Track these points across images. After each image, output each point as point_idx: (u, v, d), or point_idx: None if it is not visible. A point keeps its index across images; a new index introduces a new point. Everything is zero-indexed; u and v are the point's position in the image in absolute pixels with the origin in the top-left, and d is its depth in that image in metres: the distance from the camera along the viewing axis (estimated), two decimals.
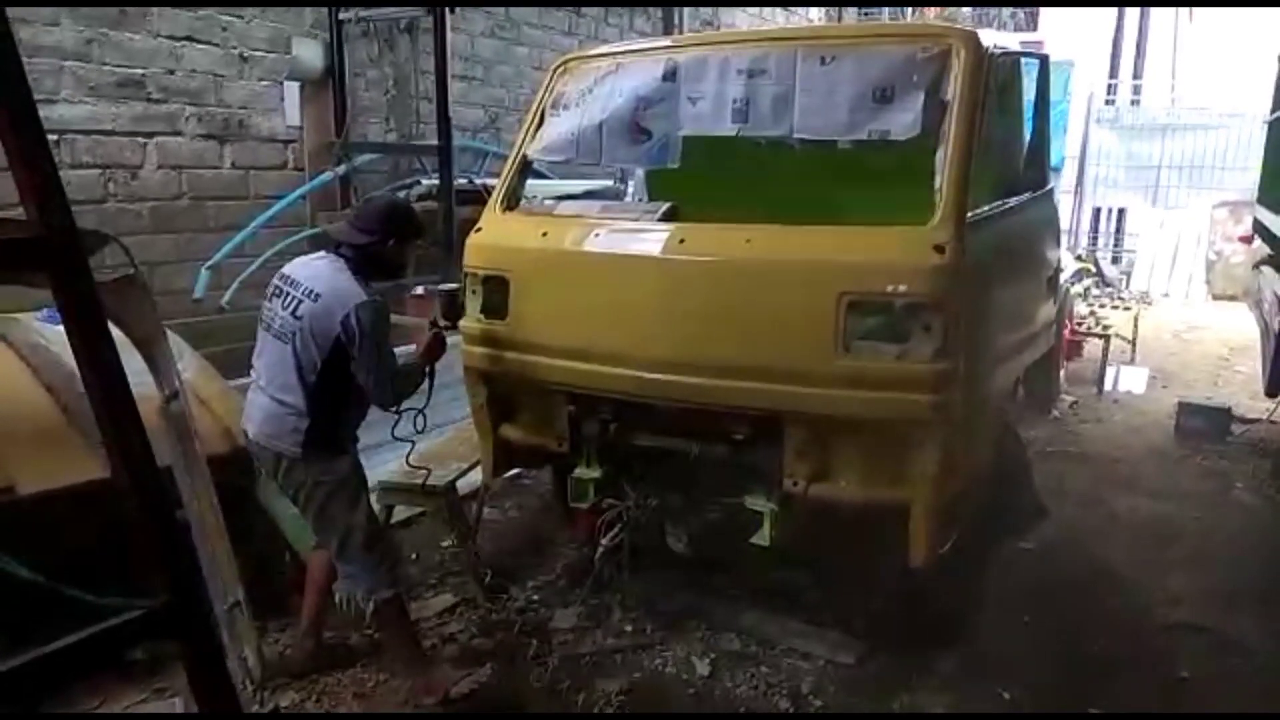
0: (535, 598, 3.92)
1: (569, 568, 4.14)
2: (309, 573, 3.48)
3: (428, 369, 3.32)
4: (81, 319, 1.27)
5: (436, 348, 3.36)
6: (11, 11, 1.20)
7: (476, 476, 4.07)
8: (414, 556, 4.27)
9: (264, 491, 3.77)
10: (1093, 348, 7.80)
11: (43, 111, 1.27)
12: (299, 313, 3.03)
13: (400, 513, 4.20)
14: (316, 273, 3.11)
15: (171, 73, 5.77)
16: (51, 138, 4.15)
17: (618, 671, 3.42)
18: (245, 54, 6.17)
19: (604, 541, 3.68)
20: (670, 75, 3.52)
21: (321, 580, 3.41)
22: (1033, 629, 3.71)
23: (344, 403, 3.12)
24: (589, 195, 6.14)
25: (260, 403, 3.14)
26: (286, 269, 3.23)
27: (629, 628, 3.68)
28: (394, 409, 3.25)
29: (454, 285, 3.60)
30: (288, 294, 3.10)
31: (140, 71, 5.61)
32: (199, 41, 5.89)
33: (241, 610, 3.19)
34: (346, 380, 3.05)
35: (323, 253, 3.23)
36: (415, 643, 3.35)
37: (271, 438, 3.10)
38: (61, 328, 1.29)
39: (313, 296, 3.03)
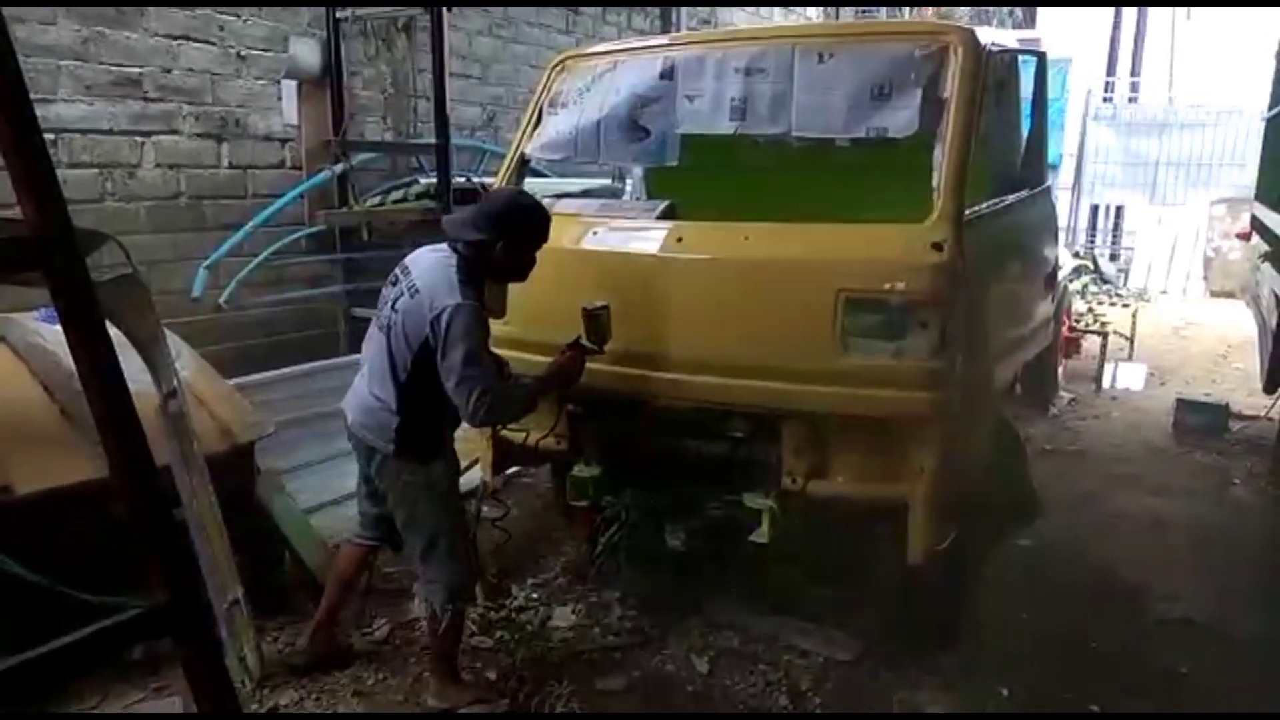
0: (535, 596, 3.92)
1: (568, 566, 4.14)
2: (336, 563, 3.44)
3: (545, 392, 3.05)
4: (79, 318, 1.27)
5: (569, 371, 3.07)
6: (7, 10, 1.19)
7: (476, 475, 4.07)
8: None
9: (263, 490, 3.78)
10: (1091, 345, 7.80)
11: (39, 111, 1.26)
12: (398, 306, 2.89)
13: None
14: (426, 267, 2.91)
15: (168, 71, 5.76)
16: (48, 137, 4.14)
17: (617, 669, 3.42)
18: (242, 53, 6.16)
19: (603, 539, 3.69)
20: (668, 73, 3.52)
21: (348, 574, 3.36)
22: (1031, 625, 3.72)
23: (439, 404, 2.89)
24: (587, 194, 6.14)
25: (360, 391, 3.05)
26: (409, 256, 3.02)
27: (628, 625, 3.68)
28: (474, 423, 2.95)
29: (601, 304, 3.15)
30: (399, 284, 2.94)
31: (137, 70, 5.60)
32: (196, 40, 5.88)
33: (240, 608, 3.20)
34: (440, 385, 2.83)
35: (443, 245, 2.99)
36: (455, 657, 3.24)
37: (365, 430, 3.01)
38: (59, 327, 1.29)
39: (412, 291, 2.87)
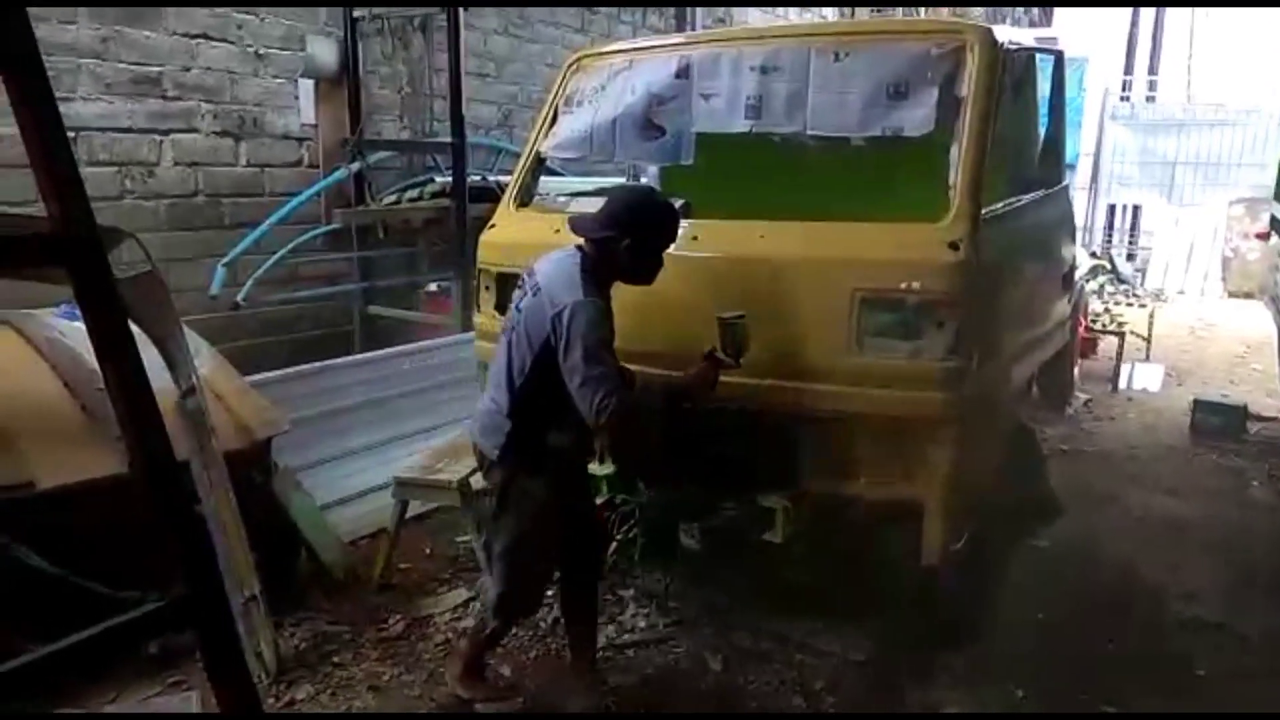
0: (549, 593, 3.93)
1: None
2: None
3: (675, 403, 2.91)
4: (102, 315, 1.28)
5: (702, 384, 2.93)
6: (30, 10, 1.21)
7: None
8: (428, 552, 4.29)
9: (280, 486, 3.80)
10: (1107, 345, 7.75)
11: (60, 109, 1.28)
12: (520, 306, 2.82)
13: (415, 508, 4.22)
14: (551, 267, 2.81)
15: (187, 70, 5.81)
16: (69, 135, 4.18)
17: (630, 667, 3.42)
18: (260, 51, 6.21)
19: (617, 537, 3.69)
20: (684, 72, 3.52)
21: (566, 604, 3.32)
22: (1046, 626, 3.70)
23: (553, 412, 2.77)
24: (602, 192, 6.14)
25: (482, 397, 3.00)
26: (536, 261, 2.93)
27: (642, 624, 3.68)
28: (597, 426, 2.73)
29: (737, 313, 2.95)
30: (525, 285, 2.86)
31: (156, 69, 5.65)
32: (214, 39, 5.93)
33: (257, 604, 3.22)
34: (557, 389, 2.69)
35: (573, 247, 2.89)
36: (484, 655, 3.21)
37: (478, 434, 2.94)
38: (78, 323, 1.30)
39: (534, 291, 2.78)
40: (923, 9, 12.90)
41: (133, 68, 5.52)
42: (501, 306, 3.65)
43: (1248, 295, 11.09)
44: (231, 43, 6.02)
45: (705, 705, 3.24)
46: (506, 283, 3.62)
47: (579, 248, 2.83)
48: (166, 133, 5.76)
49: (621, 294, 2.87)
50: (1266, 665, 3.47)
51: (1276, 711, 3.21)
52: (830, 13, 12.33)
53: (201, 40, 5.84)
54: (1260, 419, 6.31)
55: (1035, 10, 15.23)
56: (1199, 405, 6.31)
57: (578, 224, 2.88)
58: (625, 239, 2.77)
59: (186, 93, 5.82)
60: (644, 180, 5.42)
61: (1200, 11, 15.37)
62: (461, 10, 6.27)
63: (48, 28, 5.05)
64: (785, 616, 3.67)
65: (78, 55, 5.26)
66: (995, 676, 3.33)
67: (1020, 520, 4.28)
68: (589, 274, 2.74)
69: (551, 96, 3.89)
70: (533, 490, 2.87)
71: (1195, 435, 6.13)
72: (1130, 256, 13.18)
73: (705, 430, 3.34)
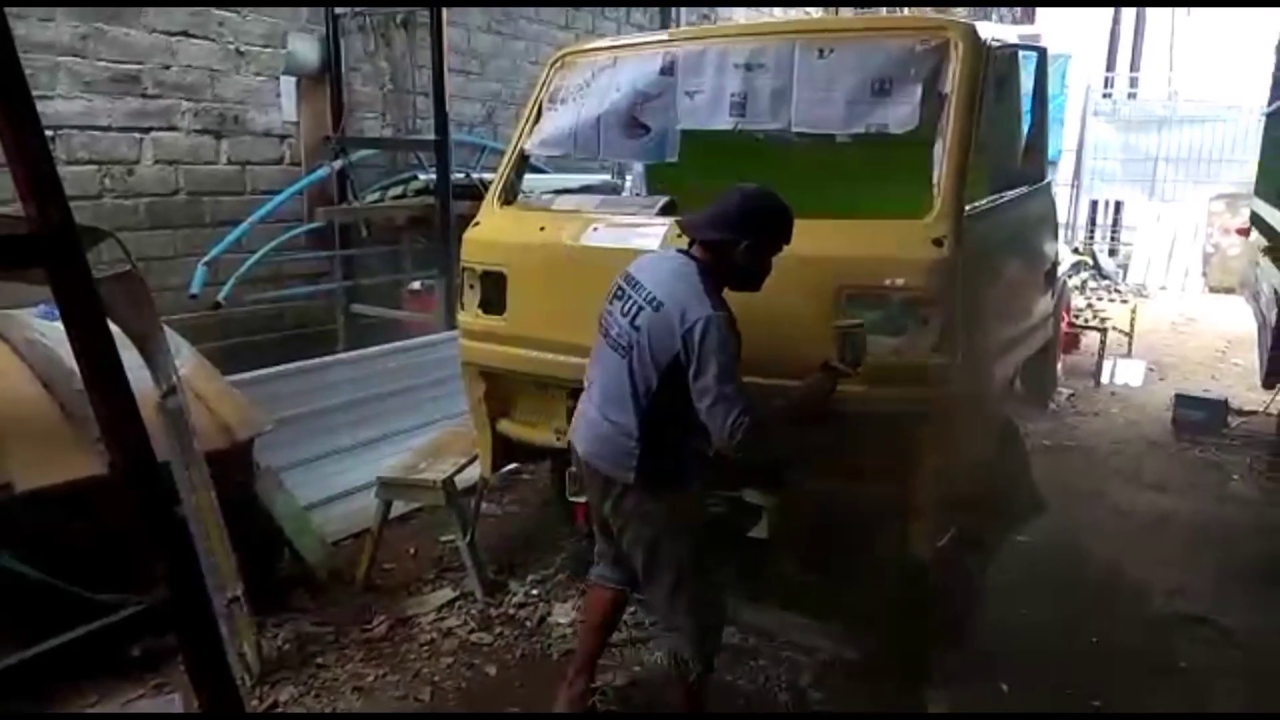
0: (534, 592, 3.92)
1: (568, 562, 4.14)
2: (590, 608, 3.17)
3: (798, 417, 2.75)
4: (80, 315, 1.27)
5: (820, 393, 2.74)
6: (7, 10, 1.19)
7: (475, 471, 4.07)
8: (412, 552, 4.28)
9: (263, 487, 3.78)
10: (1090, 341, 7.81)
11: (38, 108, 1.26)
12: (638, 322, 2.61)
13: (399, 508, 4.21)
14: (662, 276, 2.64)
15: (167, 68, 5.76)
16: (47, 134, 4.12)
17: (617, 665, 3.42)
18: (241, 49, 6.16)
19: None
20: (668, 69, 3.51)
21: (601, 620, 3.11)
22: (1031, 621, 3.71)
23: (686, 430, 2.62)
24: (586, 190, 6.15)
25: (591, 418, 2.75)
26: (632, 267, 2.76)
27: (628, 621, 3.67)
28: (729, 450, 2.55)
29: (855, 321, 2.79)
30: (629, 298, 2.67)
31: (136, 67, 5.60)
32: (194, 37, 5.88)
33: (240, 605, 3.20)
34: (684, 404, 2.56)
35: (674, 251, 2.78)
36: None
37: (601, 459, 2.71)
38: (58, 323, 1.29)
39: (654, 305, 2.58)
40: (906, 8, 12.95)
41: (112, 65, 5.47)
42: (486, 304, 3.63)
43: (1228, 290, 11.19)
44: (212, 40, 5.98)
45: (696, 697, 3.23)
46: (491, 280, 3.62)
47: (687, 254, 2.69)
48: (147, 131, 5.71)
49: (603, 291, 2.83)
50: (1249, 659, 3.50)
51: (1259, 705, 3.23)
52: (816, 11, 12.35)
53: (182, 38, 5.80)
54: (1241, 413, 6.36)
55: (1018, 8, 15.31)
56: (1180, 400, 6.36)
57: (691, 225, 2.74)
58: (744, 241, 2.62)
59: (167, 91, 5.77)
60: (629, 178, 5.41)
61: (1181, 10, 15.48)
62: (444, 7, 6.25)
63: (26, 25, 4.99)
64: (771, 613, 3.68)
65: (56, 53, 5.21)
66: (981, 672, 3.34)
67: (1004, 516, 4.30)
68: (708, 284, 2.58)
69: (535, 93, 3.87)
70: (679, 511, 2.72)
71: (1177, 430, 6.18)
72: (1112, 252, 13.28)
73: None
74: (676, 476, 2.71)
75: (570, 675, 3.11)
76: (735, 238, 2.62)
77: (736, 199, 2.68)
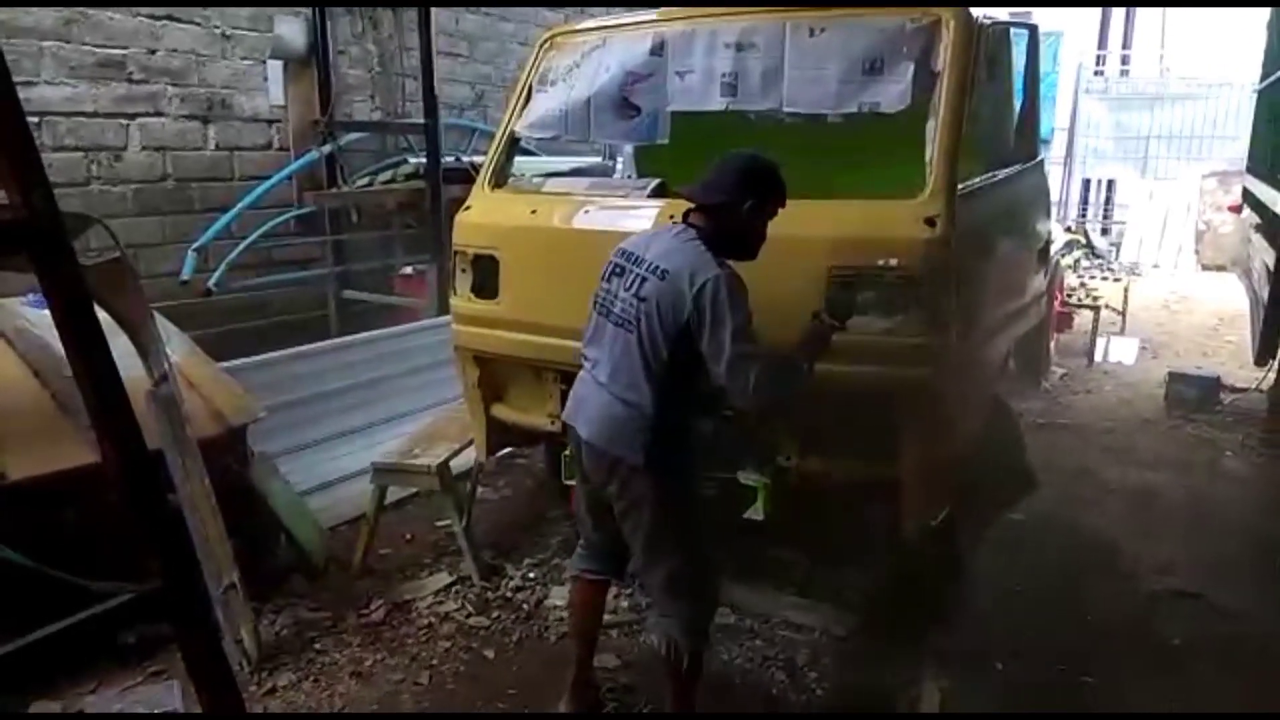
0: (531, 575, 3.93)
1: (564, 545, 4.14)
2: (579, 605, 3.08)
3: (809, 364, 2.70)
4: (67, 303, 1.26)
5: (814, 341, 2.75)
6: None
7: (470, 456, 4.07)
8: (408, 537, 4.28)
9: (257, 473, 3.77)
10: (1083, 319, 7.81)
11: (22, 93, 1.25)
12: (643, 293, 2.58)
13: (394, 493, 4.20)
14: (664, 247, 2.62)
15: (152, 52, 5.70)
16: (32, 120, 4.09)
17: (613, 647, 3.43)
18: (227, 32, 6.11)
19: None
20: (658, 49, 3.49)
21: (588, 617, 3.06)
22: (1024, 599, 3.74)
23: (692, 403, 2.65)
24: (577, 172, 6.12)
25: (598, 400, 2.67)
26: (627, 244, 2.76)
27: (624, 604, 3.69)
28: (754, 407, 2.62)
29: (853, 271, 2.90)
30: (630, 272, 2.65)
31: (121, 52, 5.54)
32: (180, 20, 5.82)
33: (237, 592, 3.20)
34: (696, 375, 2.57)
35: (671, 224, 2.76)
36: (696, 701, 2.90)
37: (612, 441, 2.63)
38: (47, 312, 1.27)
39: (659, 273, 2.56)
40: None
41: (97, 50, 5.42)
42: (478, 288, 3.62)
43: (1220, 268, 11.21)
44: (197, 24, 5.92)
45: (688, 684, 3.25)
46: (482, 264, 3.60)
47: (685, 223, 2.68)
48: (133, 116, 5.67)
49: (596, 274, 2.82)
50: (1242, 634, 3.52)
51: (1247, 680, 3.25)
52: None
53: (167, 21, 5.74)
54: (1233, 390, 6.38)
55: None
56: (1173, 378, 6.37)
57: (693, 192, 2.71)
58: (746, 201, 2.62)
59: (153, 75, 5.72)
60: (620, 160, 5.39)
61: None
62: None
63: (7, 10, 4.94)
64: (767, 593, 3.69)
65: (39, 38, 5.15)
66: (974, 650, 3.36)
67: (998, 494, 4.32)
68: (712, 248, 2.57)
69: (525, 75, 3.85)
70: (684, 493, 2.71)
71: (1170, 407, 6.20)
72: (1105, 231, 13.28)
73: None
74: (682, 456, 2.68)
75: (572, 685, 3.03)
76: (739, 198, 2.61)
77: (735, 162, 2.68)
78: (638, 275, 2.62)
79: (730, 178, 2.64)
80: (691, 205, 2.71)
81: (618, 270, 2.70)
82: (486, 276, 3.59)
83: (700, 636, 2.79)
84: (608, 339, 2.68)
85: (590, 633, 3.09)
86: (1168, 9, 15.05)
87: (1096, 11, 14.44)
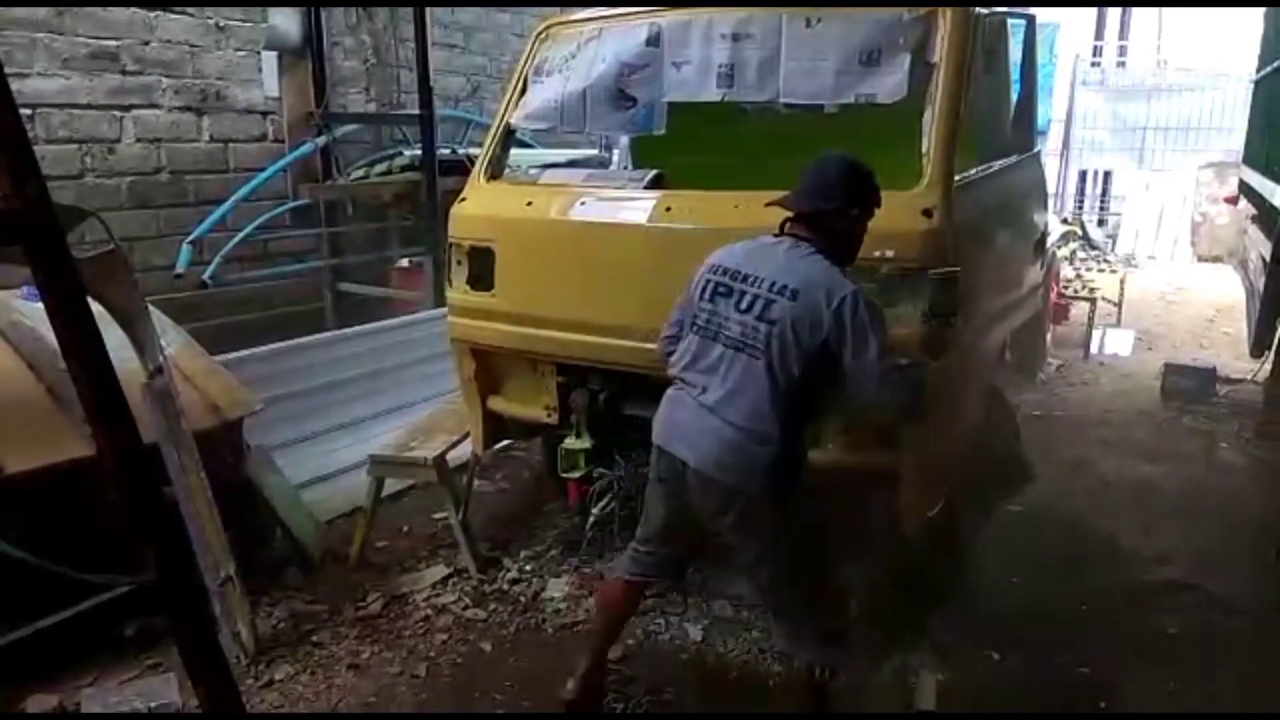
0: (528, 568, 3.93)
1: (560, 538, 4.14)
2: (604, 603, 3.09)
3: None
4: (61, 295, 1.25)
5: (935, 344, 2.74)
6: None
7: (467, 449, 4.07)
8: (405, 529, 4.27)
9: (254, 466, 3.76)
10: (1079, 311, 7.82)
11: (14, 85, 1.24)
12: (773, 315, 2.44)
13: (391, 486, 4.20)
14: (783, 264, 2.49)
15: (146, 44, 5.68)
16: (25, 112, 4.08)
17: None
18: (221, 23, 6.08)
19: (595, 511, 3.69)
20: (654, 40, 3.48)
21: (620, 612, 3.02)
22: (1021, 589, 3.74)
23: (805, 425, 2.58)
24: (573, 164, 6.11)
25: (705, 425, 2.52)
26: (722, 261, 2.61)
27: None
28: (900, 415, 2.64)
29: (950, 269, 2.81)
30: (742, 293, 2.51)
31: (114, 43, 5.52)
32: (173, 11, 5.79)
33: (233, 584, 3.20)
34: (815, 395, 2.51)
35: (768, 238, 2.61)
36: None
37: (728, 470, 2.50)
38: (39, 304, 1.27)
39: (788, 293, 2.43)
40: None
41: (90, 42, 5.39)
42: (474, 281, 3.61)
43: (1216, 259, 11.23)
44: (191, 15, 5.89)
45: (687, 675, 3.25)
46: (478, 256, 3.59)
47: (795, 237, 2.56)
48: (127, 109, 5.64)
49: (598, 269, 2.83)
50: (1238, 624, 3.53)
51: (1244, 670, 3.26)
52: None
53: (160, 12, 5.71)
54: (1229, 381, 6.39)
55: None
56: (1169, 369, 6.38)
57: (795, 201, 2.58)
58: (853, 207, 2.54)
59: (146, 67, 5.69)
60: (615, 151, 5.38)
61: None
62: None
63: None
64: None
65: (32, 30, 5.12)
66: (972, 640, 3.37)
67: (995, 485, 4.32)
68: (831, 259, 2.49)
69: (520, 66, 3.83)
70: (803, 513, 2.61)
71: (1166, 399, 6.21)
72: (1101, 222, 13.29)
73: None
74: (798, 476, 2.57)
75: (585, 667, 2.95)
76: (845, 205, 2.53)
77: (836, 167, 2.57)
78: (756, 296, 2.49)
79: (833, 184, 2.54)
80: (789, 214, 2.60)
81: (723, 290, 2.56)
82: (483, 268, 3.58)
83: (843, 650, 2.80)
84: (719, 362, 2.54)
85: (617, 630, 3.09)
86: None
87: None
